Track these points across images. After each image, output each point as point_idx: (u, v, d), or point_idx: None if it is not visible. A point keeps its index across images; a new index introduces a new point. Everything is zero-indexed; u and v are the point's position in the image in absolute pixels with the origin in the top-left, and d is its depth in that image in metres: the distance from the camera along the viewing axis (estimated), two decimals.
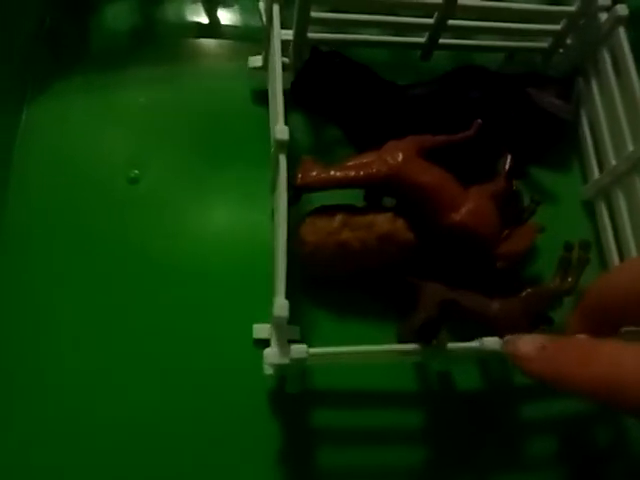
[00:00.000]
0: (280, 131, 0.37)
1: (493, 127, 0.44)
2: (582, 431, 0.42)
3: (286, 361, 0.34)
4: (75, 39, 0.50)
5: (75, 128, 0.47)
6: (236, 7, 0.53)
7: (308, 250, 0.40)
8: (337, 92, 0.46)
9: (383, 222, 0.40)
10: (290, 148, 0.37)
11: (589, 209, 0.47)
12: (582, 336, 0.31)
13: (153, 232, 0.44)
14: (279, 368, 0.36)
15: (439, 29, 0.45)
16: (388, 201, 0.42)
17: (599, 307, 0.29)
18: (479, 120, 0.42)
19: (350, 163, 0.41)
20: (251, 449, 0.39)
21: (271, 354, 0.34)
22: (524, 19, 0.46)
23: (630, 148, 0.41)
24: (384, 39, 0.48)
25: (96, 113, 0.47)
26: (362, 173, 0.40)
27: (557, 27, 0.46)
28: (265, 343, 0.37)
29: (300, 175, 0.41)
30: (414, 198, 0.40)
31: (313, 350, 0.34)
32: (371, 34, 0.48)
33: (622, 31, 0.42)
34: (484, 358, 0.42)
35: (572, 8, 0.44)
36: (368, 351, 0.35)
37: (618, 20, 0.42)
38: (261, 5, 0.43)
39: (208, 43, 0.51)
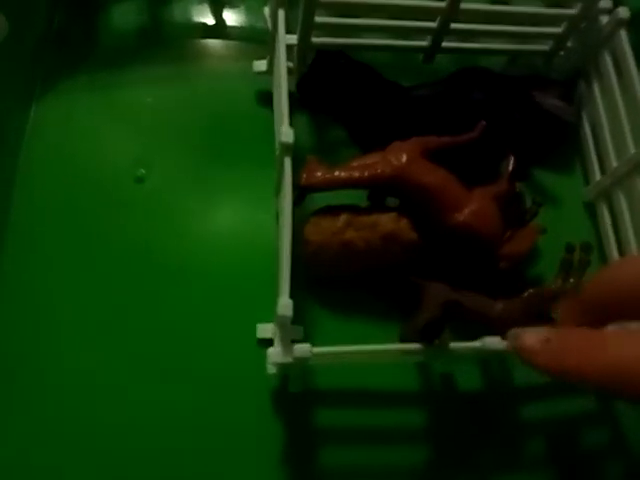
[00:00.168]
0: (285, 134, 0.37)
1: (496, 129, 0.44)
2: (582, 431, 0.42)
3: (289, 360, 0.34)
4: (83, 39, 0.50)
5: (82, 127, 0.47)
6: (242, 8, 0.53)
7: (312, 250, 0.41)
8: (342, 93, 0.46)
9: (387, 222, 0.41)
10: (295, 149, 0.38)
11: (591, 211, 0.47)
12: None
13: (158, 231, 0.44)
14: (282, 367, 0.36)
15: (442, 33, 0.46)
16: (392, 201, 0.42)
17: (599, 302, 0.29)
18: (483, 122, 0.43)
19: (354, 164, 0.41)
20: (254, 448, 0.40)
21: (274, 353, 0.35)
22: (526, 22, 0.47)
23: (632, 150, 0.42)
24: (387, 43, 0.48)
25: (103, 112, 0.48)
26: (366, 174, 0.40)
27: (558, 30, 0.47)
28: (269, 343, 0.37)
29: (305, 175, 0.41)
30: (418, 199, 0.41)
31: (316, 349, 0.34)
32: (374, 38, 0.48)
33: (623, 33, 0.43)
34: (486, 358, 0.42)
35: (573, 11, 0.45)
36: (371, 350, 0.35)
37: (619, 22, 0.43)
38: (266, 10, 0.44)
39: (214, 44, 0.52)
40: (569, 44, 0.48)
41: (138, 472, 0.39)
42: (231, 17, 0.53)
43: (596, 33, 0.45)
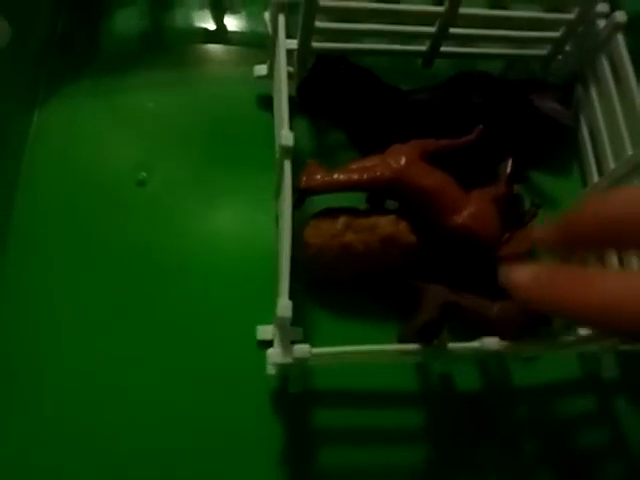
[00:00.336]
0: (285, 137, 0.38)
1: (495, 132, 0.44)
2: (581, 431, 0.43)
3: (289, 361, 0.35)
4: (86, 44, 0.51)
5: (84, 131, 0.48)
6: (243, 14, 0.54)
7: (312, 252, 0.41)
8: (342, 97, 0.47)
9: (386, 224, 0.41)
10: (295, 152, 0.38)
11: None
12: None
13: (159, 234, 0.45)
14: (282, 368, 0.36)
15: (441, 37, 0.46)
16: (391, 204, 0.43)
17: (594, 225, 0.27)
18: (481, 125, 0.43)
19: (354, 166, 0.42)
20: (254, 448, 0.40)
21: (274, 354, 0.35)
22: (524, 27, 0.47)
23: (629, 152, 0.42)
24: (386, 48, 0.49)
25: (105, 116, 0.48)
26: (366, 176, 0.41)
27: (556, 34, 0.47)
28: (269, 344, 0.37)
29: (304, 178, 0.41)
30: (417, 201, 0.41)
31: (315, 350, 0.35)
32: (374, 43, 0.49)
33: (620, 37, 0.43)
34: (484, 359, 0.43)
35: (571, 16, 0.45)
36: (369, 351, 0.36)
37: (616, 27, 0.43)
38: (266, 15, 0.44)
39: (215, 49, 0.52)
40: (567, 48, 0.48)
41: (138, 472, 0.39)
42: (232, 22, 0.53)
43: (593, 37, 0.45)
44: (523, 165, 0.46)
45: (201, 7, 0.53)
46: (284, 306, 0.34)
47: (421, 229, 0.41)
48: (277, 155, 0.40)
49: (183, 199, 0.46)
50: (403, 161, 0.41)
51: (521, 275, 0.28)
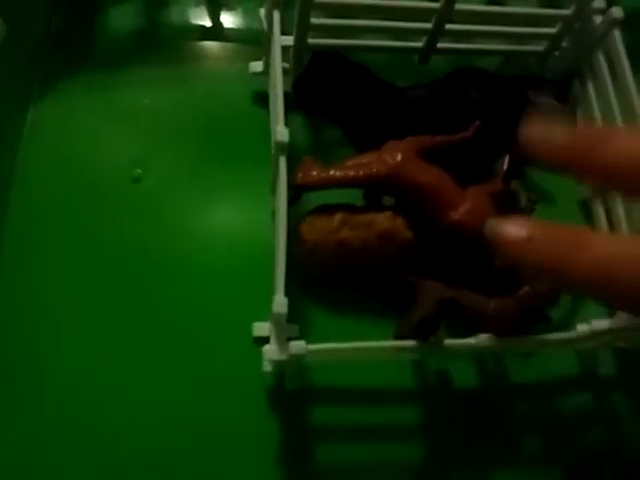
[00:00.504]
0: (280, 133, 0.38)
1: (491, 128, 0.44)
2: (579, 429, 0.43)
3: (285, 357, 0.35)
4: (81, 41, 0.51)
5: (79, 128, 0.47)
6: (239, 10, 0.53)
7: (308, 249, 0.41)
8: (338, 93, 0.47)
9: (383, 221, 0.41)
10: (291, 149, 0.38)
11: (586, 209, 0.48)
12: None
13: (155, 231, 0.45)
14: (278, 365, 0.36)
15: (437, 33, 0.46)
16: (387, 200, 0.43)
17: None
18: (477, 121, 0.43)
19: (350, 163, 0.41)
20: (251, 445, 0.40)
21: (270, 350, 0.35)
22: (520, 23, 0.47)
23: None
24: (382, 44, 0.48)
25: (100, 113, 0.48)
26: (362, 173, 0.41)
27: (553, 30, 0.47)
28: (265, 341, 0.37)
29: (300, 175, 0.41)
30: (413, 197, 0.41)
31: (311, 346, 0.34)
32: (370, 39, 0.48)
33: (617, 33, 0.43)
34: (481, 355, 0.42)
35: (567, 11, 0.45)
36: (365, 347, 0.36)
37: (613, 23, 0.43)
38: (262, 11, 0.44)
39: (211, 46, 0.52)
40: (563, 44, 0.48)
41: (138, 472, 0.39)
42: (228, 19, 0.53)
43: (590, 33, 0.45)
44: (520, 161, 0.46)
45: (197, 4, 0.53)
46: (280, 303, 0.34)
47: (418, 225, 0.41)
48: (273, 151, 0.40)
49: (179, 195, 0.46)
50: (399, 157, 0.41)
51: (512, 231, 0.26)
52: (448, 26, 0.45)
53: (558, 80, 0.49)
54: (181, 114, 0.49)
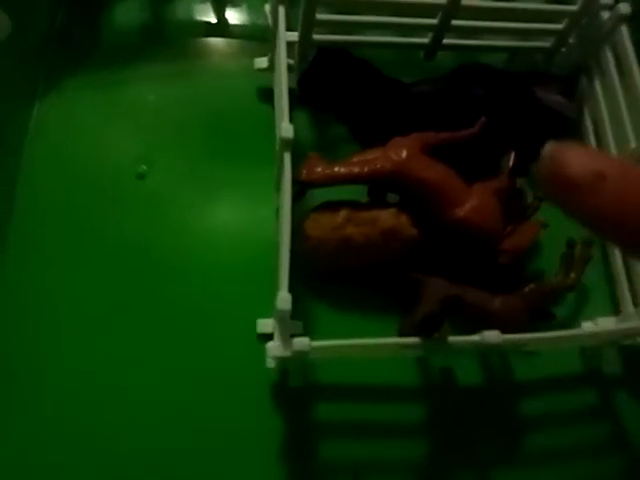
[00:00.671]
0: (285, 129, 0.38)
1: (497, 124, 0.44)
2: (582, 426, 0.42)
3: (288, 354, 0.34)
4: (85, 37, 0.51)
5: (84, 124, 0.47)
6: (244, 7, 0.53)
7: (312, 245, 0.41)
8: (343, 89, 0.47)
9: (387, 217, 0.41)
10: (296, 145, 0.38)
11: None
12: None
13: (158, 228, 0.45)
14: (281, 361, 0.36)
15: (443, 29, 0.46)
16: (392, 197, 0.42)
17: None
18: (483, 118, 0.43)
19: (354, 159, 0.41)
20: (254, 442, 0.40)
21: (274, 347, 0.35)
22: (527, 19, 0.47)
23: (633, 144, 0.42)
24: (388, 40, 0.48)
25: (105, 110, 0.48)
26: (366, 169, 0.41)
27: (560, 26, 0.47)
28: (269, 338, 0.37)
29: (305, 171, 0.41)
30: (418, 194, 0.41)
31: (315, 343, 0.34)
32: (375, 35, 0.48)
33: (624, 29, 0.42)
34: (485, 352, 0.42)
35: (574, 7, 0.45)
36: (369, 344, 0.36)
37: (620, 18, 0.42)
38: (267, 7, 0.44)
39: (216, 42, 0.52)
40: (570, 40, 0.48)
41: (138, 472, 0.39)
42: (233, 15, 0.53)
43: (597, 29, 0.45)
44: (526, 158, 0.46)
45: (202, 0, 0.53)
46: (283, 299, 0.34)
47: (422, 222, 0.41)
48: (277, 147, 0.40)
49: (183, 192, 0.46)
50: (404, 154, 0.41)
51: (581, 163, 0.19)
52: (454, 22, 0.45)
53: (565, 76, 0.49)
54: (186, 110, 0.49)
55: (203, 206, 0.46)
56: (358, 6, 0.45)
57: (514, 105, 0.46)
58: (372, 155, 0.41)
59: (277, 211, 0.44)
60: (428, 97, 0.46)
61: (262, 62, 0.48)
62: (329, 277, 0.43)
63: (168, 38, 0.52)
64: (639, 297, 0.42)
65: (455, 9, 0.44)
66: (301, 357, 0.35)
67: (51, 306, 0.42)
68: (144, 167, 0.46)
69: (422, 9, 0.45)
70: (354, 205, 0.42)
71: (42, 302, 0.42)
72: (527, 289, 0.41)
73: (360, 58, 0.47)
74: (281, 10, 0.42)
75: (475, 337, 0.36)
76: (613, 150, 0.44)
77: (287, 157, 0.38)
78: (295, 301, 0.34)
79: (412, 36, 0.49)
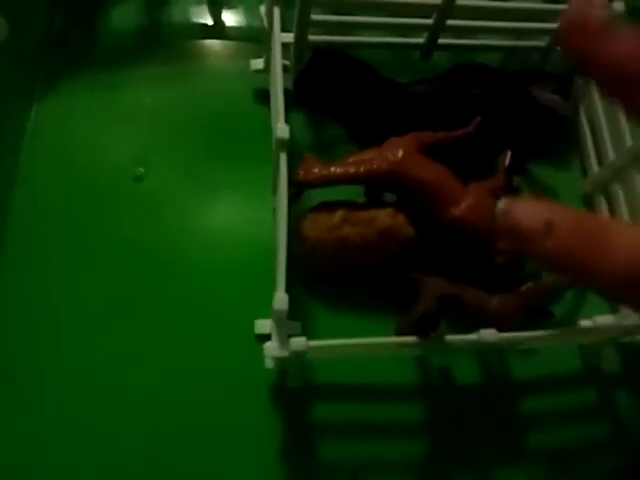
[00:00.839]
0: (281, 130, 0.38)
1: (493, 124, 0.44)
2: (581, 425, 0.42)
3: (286, 354, 0.34)
4: (82, 40, 0.51)
5: (82, 126, 0.47)
6: (240, 9, 0.53)
7: (309, 245, 0.41)
8: (339, 90, 0.47)
9: (384, 217, 0.41)
10: (292, 146, 0.38)
11: (588, 203, 0.47)
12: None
13: (156, 229, 0.45)
14: (280, 361, 0.36)
15: (438, 29, 0.46)
16: (389, 197, 0.43)
17: None
18: (479, 117, 0.43)
19: (351, 160, 0.41)
20: (253, 442, 0.40)
21: (271, 347, 0.35)
22: (522, 18, 0.47)
23: (629, 142, 0.42)
24: (384, 40, 0.48)
25: (102, 112, 0.48)
26: (362, 169, 0.41)
27: (554, 25, 0.47)
28: (267, 338, 0.37)
29: (302, 172, 0.41)
30: (414, 193, 0.41)
31: (312, 343, 0.34)
32: (371, 36, 0.48)
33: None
34: (483, 351, 0.42)
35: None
36: (366, 343, 0.36)
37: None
38: (262, 8, 0.44)
39: (213, 44, 0.52)
40: None
41: (138, 472, 0.39)
42: (229, 17, 0.53)
43: None
44: (522, 157, 0.46)
45: (198, 2, 0.53)
46: (280, 299, 0.34)
47: (419, 222, 0.41)
48: (273, 148, 0.40)
49: (181, 194, 0.46)
50: (400, 154, 0.41)
51: (528, 215, 0.21)
52: (449, 22, 0.45)
53: (560, 75, 0.49)
54: (183, 112, 0.49)
55: (201, 207, 0.46)
56: (353, 7, 0.45)
57: (510, 104, 0.46)
58: (368, 155, 0.41)
59: (274, 212, 0.44)
60: (424, 97, 0.46)
61: (258, 63, 0.48)
62: (326, 277, 0.43)
63: (164, 40, 0.52)
64: None
65: (450, 9, 0.44)
66: (299, 357, 0.35)
67: (51, 306, 0.42)
68: (141, 169, 0.46)
69: (417, 9, 0.45)
70: (351, 205, 0.42)
71: (42, 302, 0.42)
72: (524, 288, 0.41)
73: (356, 59, 0.47)
74: (276, 11, 0.42)
75: (472, 336, 0.36)
76: (609, 148, 0.44)
77: (283, 158, 0.38)
78: (293, 301, 0.34)
79: (407, 36, 0.49)
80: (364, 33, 0.49)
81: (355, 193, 0.43)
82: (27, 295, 0.42)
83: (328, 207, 0.41)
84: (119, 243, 0.44)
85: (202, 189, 0.46)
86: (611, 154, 0.44)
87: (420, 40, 0.48)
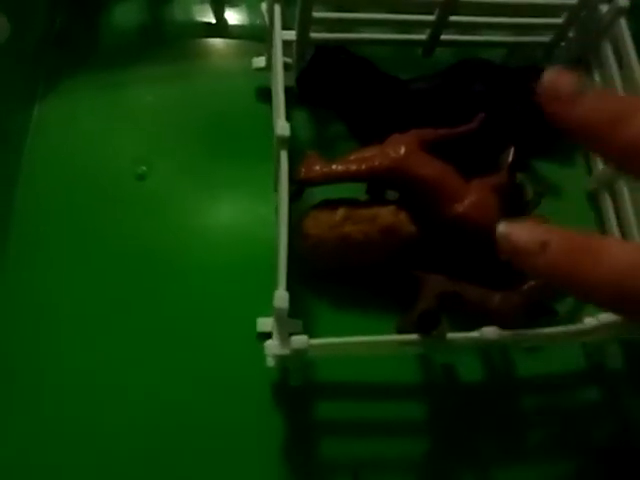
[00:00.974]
0: (281, 127, 0.38)
1: (496, 120, 0.44)
2: (586, 423, 0.42)
3: (287, 352, 0.34)
4: (84, 39, 0.51)
5: (83, 126, 0.48)
6: (243, 7, 0.53)
7: (310, 243, 0.41)
8: (341, 87, 0.46)
9: (386, 215, 0.41)
10: (295, 144, 0.38)
11: (593, 200, 0.47)
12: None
13: (158, 228, 0.45)
14: (281, 360, 0.36)
15: (440, 25, 0.46)
16: (392, 195, 0.42)
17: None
18: (482, 113, 0.43)
19: (352, 157, 0.41)
20: (253, 442, 0.40)
21: (272, 345, 0.35)
22: (525, 14, 0.46)
23: None
24: (386, 37, 0.48)
25: (104, 111, 0.48)
26: (364, 166, 0.40)
27: (558, 20, 0.46)
28: (269, 337, 0.37)
29: (303, 169, 0.41)
30: (416, 191, 0.40)
31: (313, 341, 0.34)
32: (373, 32, 0.48)
33: (623, 22, 0.42)
34: (485, 349, 0.42)
35: (573, 1, 0.44)
36: (368, 341, 0.35)
37: (619, 11, 0.42)
38: (263, 6, 0.44)
39: (215, 42, 0.52)
40: (569, 34, 0.48)
41: (138, 472, 0.39)
42: (232, 16, 0.53)
43: (596, 22, 0.44)
44: (525, 153, 0.46)
45: (201, 1, 0.53)
46: (281, 297, 0.34)
47: (421, 219, 0.41)
48: (274, 146, 0.40)
49: (183, 193, 0.46)
50: (402, 151, 0.40)
51: (525, 236, 0.24)
52: (452, 18, 0.45)
53: None
54: (185, 111, 0.49)
55: (203, 205, 0.46)
56: (355, 3, 0.45)
57: (513, 100, 0.46)
58: (370, 152, 0.41)
59: (276, 210, 0.44)
60: (426, 94, 0.46)
61: (260, 61, 0.48)
62: (328, 275, 0.43)
63: (167, 39, 0.52)
64: None
65: (453, 5, 0.44)
66: (300, 355, 0.35)
67: (51, 306, 0.42)
68: (143, 168, 0.46)
69: (419, 5, 0.45)
70: (353, 203, 0.41)
71: (42, 302, 0.42)
72: (527, 285, 0.41)
73: (358, 56, 0.47)
74: (277, 8, 0.41)
75: (474, 334, 0.36)
76: None
77: (284, 155, 0.38)
78: (294, 299, 0.34)
79: (410, 33, 0.48)
80: (366, 30, 0.48)
81: (357, 191, 0.42)
82: (28, 294, 0.43)
83: (330, 205, 0.41)
84: (121, 242, 0.44)
85: (204, 187, 0.46)
86: None
87: (422, 36, 0.47)
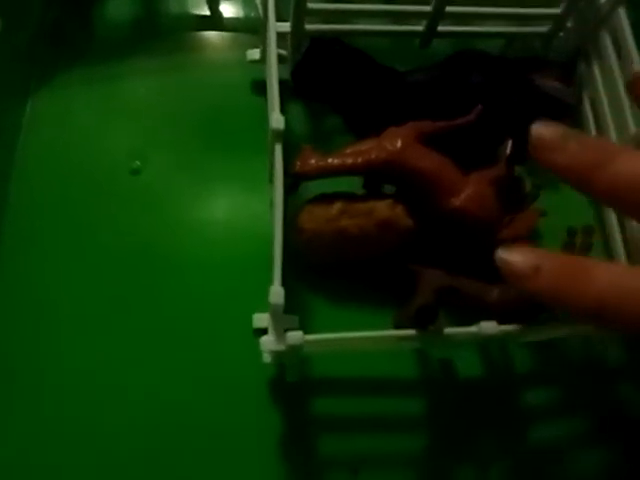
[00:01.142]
0: (276, 120, 0.37)
1: (495, 112, 0.43)
2: (586, 418, 0.42)
3: (282, 348, 0.34)
4: (77, 33, 0.50)
5: (77, 120, 0.47)
6: None
7: (306, 238, 0.40)
8: (337, 80, 0.46)
9: (382, 209, 0.40)
10: (290, 137, 0.38)
11: None
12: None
13: (154, 224, 0.44)
14: (277, 355, 0.36)
15: (437, 16, 0.45)
16: (388, 189, 0.42)
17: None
18: (480, 105, 0.42)
19: (349, 150, 0.41)
20: (253, 437, 0.39)
21: (268, 341, 0.34)
22: (523, 4, 0.46)
23: (632, 129, 0.41)
24: (382, 28, 0.48)
25: (98, 105, 0.48)
26: (360, 160, 0.40)
27: (557, 10, 0.46)
28: (265, 333, 0.37)
29: (298, 163, 0.41)
30: (413, 184, 0.40)
31: (309, 336, 0.34)
32: (369, 23, 0.48)
33: (622, 12, 0.42)
34: (483, 344, 0.42)
35: None
36: (364, 337, 0.35)
37: (618, 1, 0.42)
38: None
39: (210, 35, 0.52)
40: (568, 24, 0.47)
41: (138, 472, 0.38)
42: (226, 8, 0.53)
43: (595, 12, 0.44)
44: (524, 146, 0.45)
45: None
46: (276, 292, 0.34)
47: (419, 213, 0.40)
48: (269, 139, 0.39)
49: (178, 187, 0.46)
50: (399, 143, 0.40)
51: (519, 261, 0.27)
52: (449, 8, 0.45)
53: (563, 61, 0.48)
54: (179, 104, 0.48)
55: (198, 200, 0.46)
56: None
57: (511, 92, 0.45)
58: (366, 145, 0.41)
59: (271, 204, 0.43)
60: (423, 85, 0.45)
61: (254, 54, 0.47)
62: (324, 270, 0.42)
63: (161, 32, 0.51)
64: None
65: None
66: (296, 351, 0.35)
67: (49, 302, 0.42)
68: (138, 162, 0.46)
69: None
70: (349, 197, 0.41)
71: (40, 298, 0.42)
72: None
73: (354, 47, 0.46)
74: (271, 0, 0.41)
75: (473, 328, 0.36)
76: (613, 135, 0.43)
77: (278, 149, 0.37)
78: (290, 295, 0.34)
79: (406, 24, 0.48)
80: (362, 21, 0.48)
81: (353, 185, 0.42)
82: (25, 291, 0.42)
83: (326, 199, 0.41)
84: (116, 237, 0.44)
85: (199, 181, 0.46)
86: (615, 141, 0.43)
87: (419, 27, 0.47)
